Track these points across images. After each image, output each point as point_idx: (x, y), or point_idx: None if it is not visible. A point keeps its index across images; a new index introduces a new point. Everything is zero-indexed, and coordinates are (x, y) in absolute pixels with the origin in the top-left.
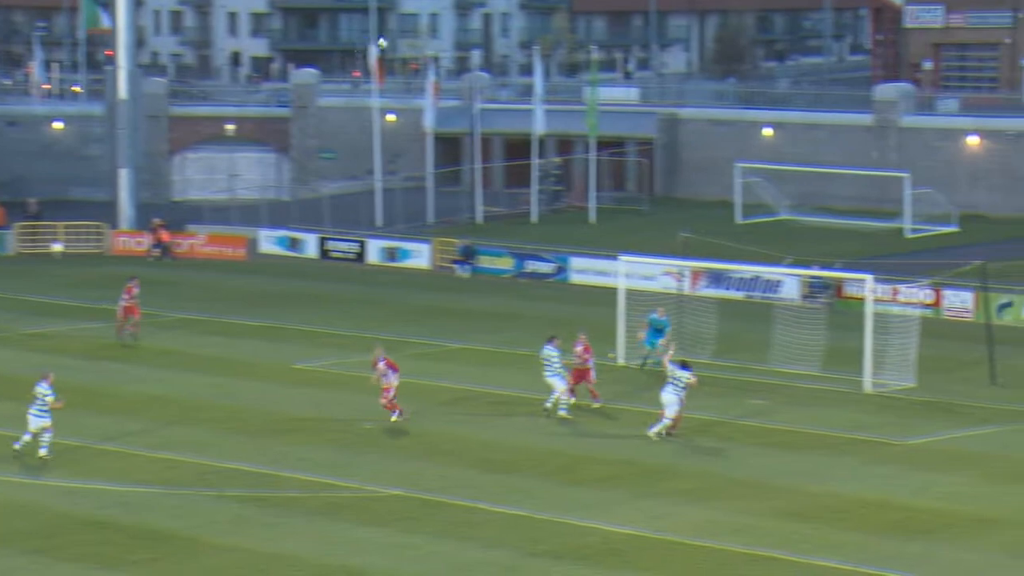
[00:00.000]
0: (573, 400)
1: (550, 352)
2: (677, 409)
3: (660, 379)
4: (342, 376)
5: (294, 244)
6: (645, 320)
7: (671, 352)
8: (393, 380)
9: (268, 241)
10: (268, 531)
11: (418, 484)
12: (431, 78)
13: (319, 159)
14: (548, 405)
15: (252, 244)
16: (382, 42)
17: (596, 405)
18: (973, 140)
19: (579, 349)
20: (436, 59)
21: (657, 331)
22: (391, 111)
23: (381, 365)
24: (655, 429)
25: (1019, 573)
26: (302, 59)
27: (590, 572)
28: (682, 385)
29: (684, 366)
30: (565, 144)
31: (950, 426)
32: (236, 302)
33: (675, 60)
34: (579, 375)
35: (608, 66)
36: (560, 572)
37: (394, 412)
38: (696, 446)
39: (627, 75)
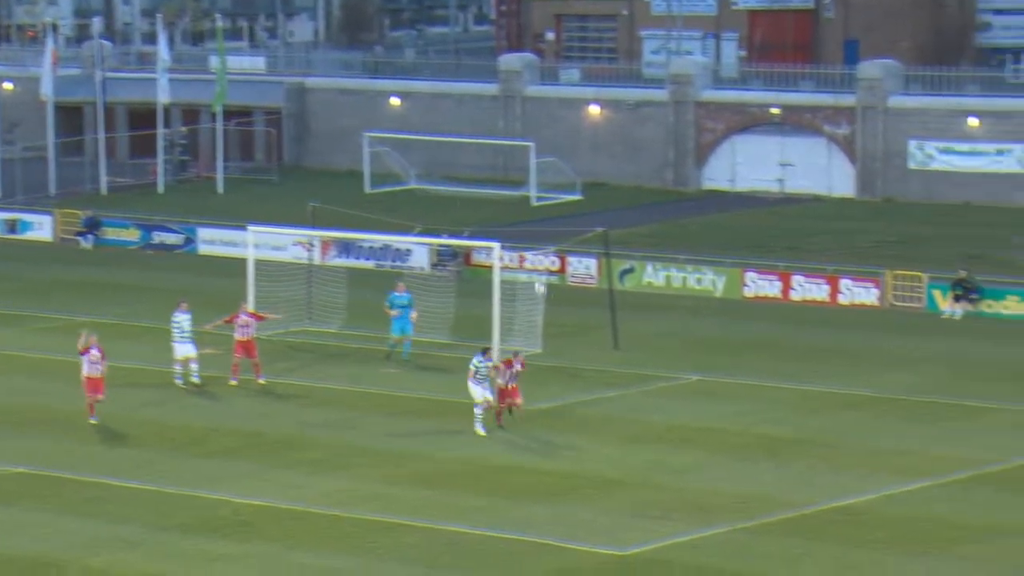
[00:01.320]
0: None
1: (181, 317)
2: (485, 393)
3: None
4: None
5: None
6: (387, 303)
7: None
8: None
9: None
10: None
11: (44, 461)
12: (49, 45)
13: None
14: (179, 382)
15: None
16: None
17: (261, 381)
18: (594, 109)
19: (245, 318)
20: (55, 26)
21: (404, 307)
22: (8, 79)
23: (95, 352)
24: (479, 426)
25: (643, 532)
26: None
27: (220, 544)
28: (483, 375)
29: (484, 353)
30: (191, 114)
31: (575, 390)
32: None
33: (302, 29)
34: (244, 348)
35: (234, 35)
36: (190, 545)
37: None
38: (326, 417)
39: (253, 43)
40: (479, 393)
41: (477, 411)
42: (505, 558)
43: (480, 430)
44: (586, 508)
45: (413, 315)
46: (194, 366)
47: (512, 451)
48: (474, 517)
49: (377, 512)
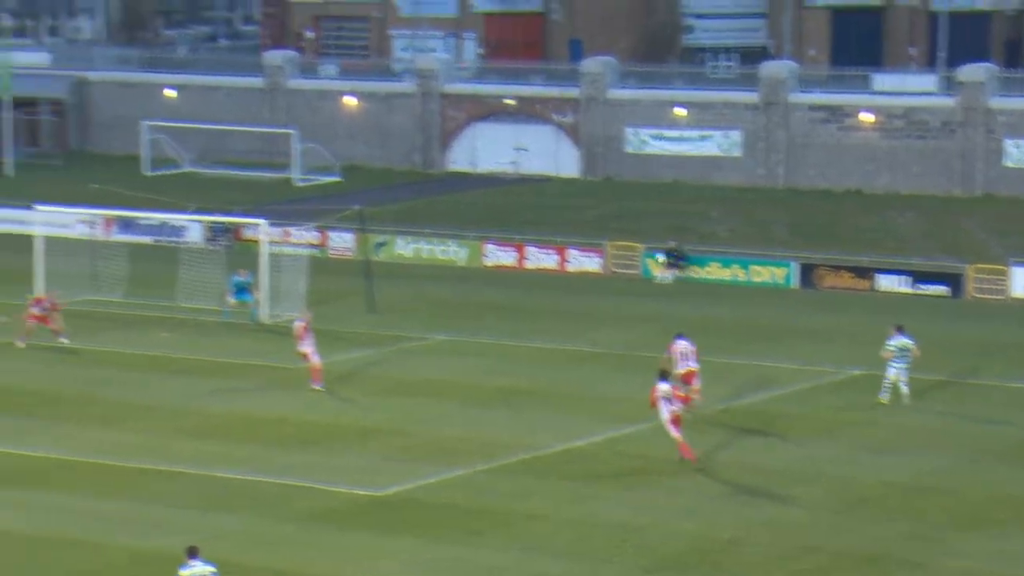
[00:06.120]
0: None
1: None
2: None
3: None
4: None
5: None
6: (230, 285)
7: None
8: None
9: None
10: None
11: None
12: None
13: None
14: None
15: None
16: None
17: (64, 341)
18: (350, 100)
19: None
20: None
21: (242, 290)
22: None
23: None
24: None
25: (396, 475)
26: None
27: (10, 493)
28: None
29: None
30: None
31: (335, 350)
32: None
33: (84, 28)
34: (38, 320)
35: (20, 32)
36: None
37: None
38: (106, 376)
39: (38, 41)
40: None
41: None
42: (274, 501)
43: None
44: (345, 454)
45: (256, 296)
46: None
47: (278, 405)
48: (245, 464)
49: (154, 461)
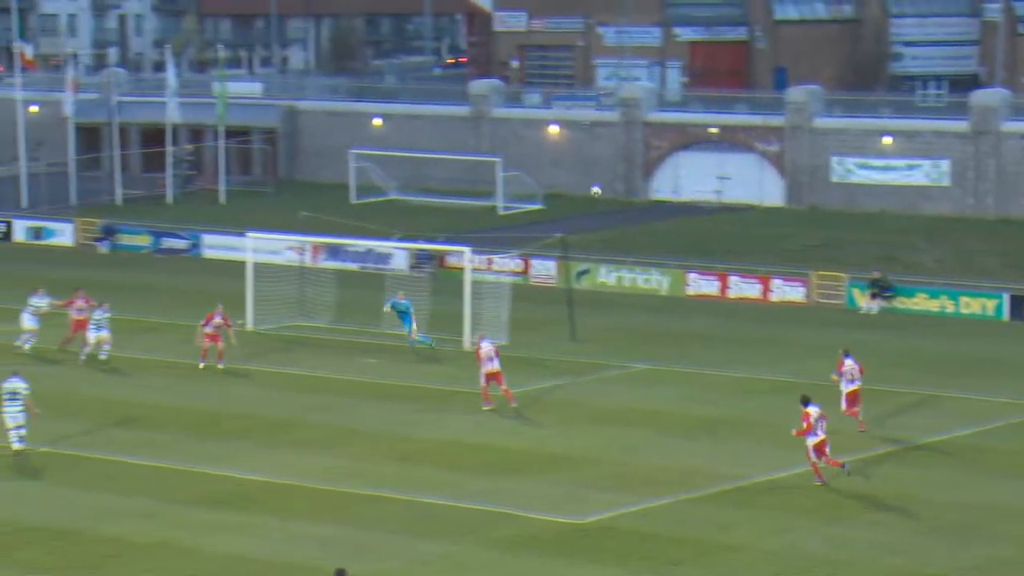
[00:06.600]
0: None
1: (101, 314)
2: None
3: (285, 342)
4: None
5: None
6: (388, 307)
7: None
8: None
9: None
10: None
11: (64, 442)
12: (71, 72)
13: None
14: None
15: None
16: (20, 45)
17: (220, 367)
18: (554, 129)
19: (218, 320)
20: (75, 55)
21: (403, 314)
22: (34, 103)
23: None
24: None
25: (597, 503)
26: None
27: (224, 515)
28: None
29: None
30: (197, 133)
31: (537, 378)
32: None
33: (295, 58)
34: (211, 338)
35: (234, 63)
36: (197, 516)
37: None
38: (317, 402)
39: (251, 72)
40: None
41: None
42: (477, 527)
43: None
44: (547, 481)
45: (414, 325)
46: (105, 347)
47: (481, 431)
48: (447, 490)
49: (361, 486)
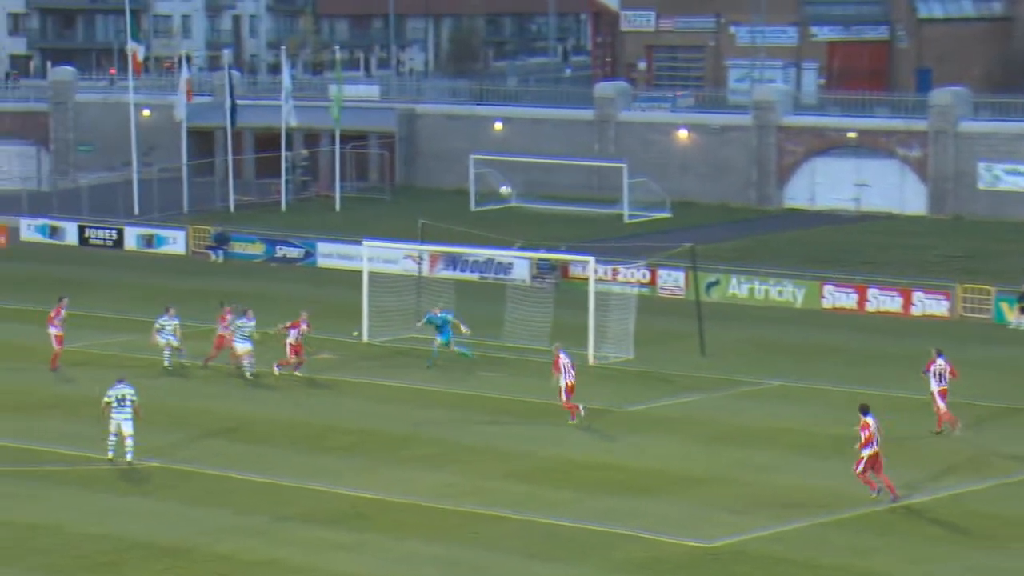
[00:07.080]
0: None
1: (245, 322)
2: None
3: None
4: (99, 356)
5: (54, 232)
6: (423, 322)
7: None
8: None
9: (29, 229)
10: (31, 503)
11: (173, 455)
12: (184, 75)
13: (77, 152)
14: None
15: (13, 233)
16: (133, 46)
17: (298, 374)
18: (683, 133)
19: (304, 327)
20: (189, 57)
21: (440, 328)
22: (147, 106)
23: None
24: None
25: (727, 526)
26: (60, 57)
27: (337, 534)
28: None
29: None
30: (312, 137)
31: (664, 394)
32: None
33: (413, 60)
34: (294, 350)
35: (351, 65)
36: (309, 534)
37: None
38: (432, 416)
39: (368, 73)
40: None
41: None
42: (597, 548)
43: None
44: (672, 502)
45: (452, 335)
46: (246, 361)
47: (604, 450)
48: (567, 510)
49: (479, 505)
